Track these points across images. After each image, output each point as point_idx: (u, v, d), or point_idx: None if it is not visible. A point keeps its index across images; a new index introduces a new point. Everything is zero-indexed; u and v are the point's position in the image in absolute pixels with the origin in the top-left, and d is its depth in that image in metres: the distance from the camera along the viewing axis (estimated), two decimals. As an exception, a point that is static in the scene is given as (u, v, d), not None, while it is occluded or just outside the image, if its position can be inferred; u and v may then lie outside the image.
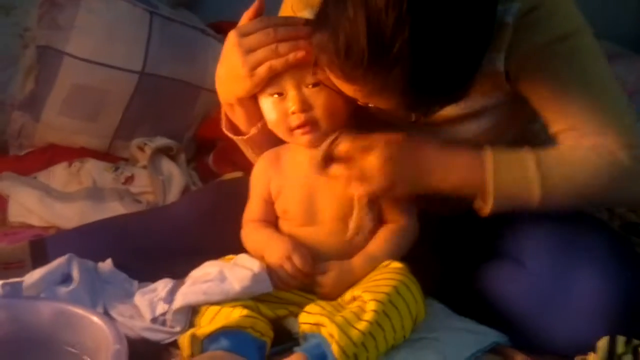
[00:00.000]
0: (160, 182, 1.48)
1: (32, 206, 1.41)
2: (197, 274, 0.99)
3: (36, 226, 1.39)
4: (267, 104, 0.98)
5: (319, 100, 0.95)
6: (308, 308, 0.91)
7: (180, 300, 0.94)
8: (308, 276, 0.96)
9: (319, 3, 0.87)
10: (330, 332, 0.85)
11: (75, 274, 1.01)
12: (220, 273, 0.95)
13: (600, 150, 0.92)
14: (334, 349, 0.84)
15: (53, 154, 1.62)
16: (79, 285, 0.99)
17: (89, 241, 1.10)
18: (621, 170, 0.92)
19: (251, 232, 1.03)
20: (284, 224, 1.03)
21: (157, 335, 0.95)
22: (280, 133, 0.99)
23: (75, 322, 0.86)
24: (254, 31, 0.95)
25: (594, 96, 0.93)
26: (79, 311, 0.87)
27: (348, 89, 0.87)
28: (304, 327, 0.90)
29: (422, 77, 0.80)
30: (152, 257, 1.07)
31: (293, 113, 0.95)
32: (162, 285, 1.01)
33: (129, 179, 1.52)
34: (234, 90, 0.98)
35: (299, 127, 0.96)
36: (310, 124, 0.95)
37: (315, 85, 0.95)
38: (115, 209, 1.39)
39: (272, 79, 0.95)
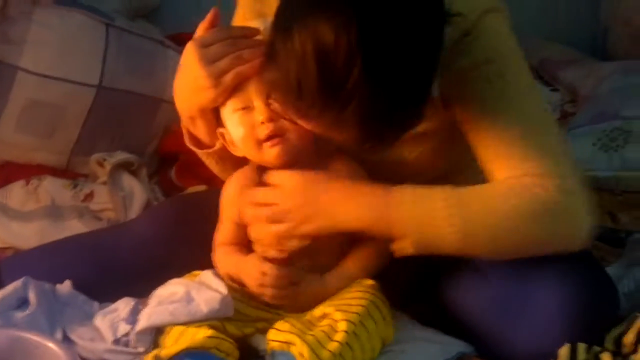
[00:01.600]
0: (120, 198, 1.45)
1: (-12, 226, 1.38)
2: (162, 292, 0.97)
3: (-7, 247, 1.36)
4: (233, 120, 0.95)
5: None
6: (277, 325, 0.90)
7: (145, 320, 0.93)
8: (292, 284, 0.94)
9: (273, 14, 0.86)
10: (300, 351, 0.84)
11: (32, 297, 0.99)
12: (187, 294, 0.93)
13: (524, 183, 0.87)
14: None
15: (9, 172, 1.58)
16: (36, 309, 0.97)
17: (46, 262, 1.08)
18: (545, 204, 0.87)
19: (223, 257, 1.01)
20: (257, 249, 1.00)
21: (119, 357, 0.93)
22: (249, 149, 0.96)
23: (31, 350, 0.84)
24: (214, 41, 0.93)
25: (518, 123, 0.90)
26: (35, 338, 0.85)
27: (305, 124, 0.86)
28: (273, 345, 0.89)
29: (379, 109, 0.79)
30: (113, 276, 1.05)
31: (262, 123, 0.92)
32: (123, 305, 0.99)
33: (89, 196, 1.49)
34: (198, 102, 0.96)
35: (268, 137, 0.93)
36: (279, 135, 0.93)
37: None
38: (74, 227, 1.37)
39: (237, 93, 0.94)
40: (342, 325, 0.87)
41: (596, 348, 0.86)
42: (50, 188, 1.49)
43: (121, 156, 1.55)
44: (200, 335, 0.88)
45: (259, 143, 0.94)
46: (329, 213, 0.92)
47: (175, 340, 0.89)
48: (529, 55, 2.20)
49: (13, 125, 1.58)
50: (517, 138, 0.89)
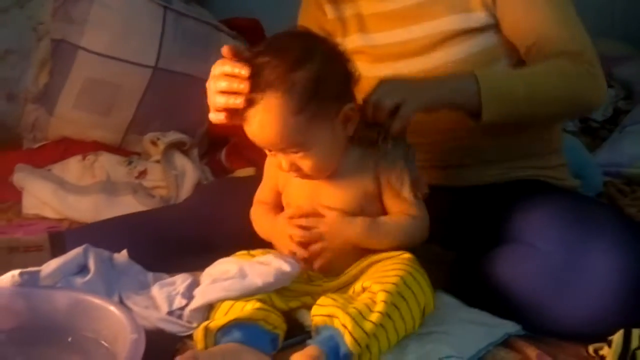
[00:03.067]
0: (173, 176, 1.48)
1: (46, 198, 1.42)
2: (214, 271, 0.99)
3: (50, 218, 1.40)
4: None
5: (304, 164, 0.95)
6: (320, 301, 0.91)
7: (200, 298, 0.95)
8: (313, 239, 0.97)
9: None
10: (343, 322, 0.85)
11: (91, 264, 1.02)
12: (240, 270, 0.95)
13: (567, 55, 1.05)
14: (347, 339, 0.84)
15: (67, 147, 1.63)
16: (94, 275, 1.00)
17: (105, 234, 1.12)
18: (585, 73, 1.05)
19: (258, 216, 1.05)
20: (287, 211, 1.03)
21: (172, 327, 0.95)
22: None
23: (92, 312, 0.86)
24: (218, 74, 0.98)
25: (559, 16, 1.07)
26: (96, 301, 0.87)
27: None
28: (317, 320, 0.90)
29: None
30: (166, 249, 1.09)
31: (283, 169, 0.97)
32: (181, 280, 1.02)
33: (142, 173, 1.53)
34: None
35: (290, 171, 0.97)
36: (303, 176, 0.97)
37: (296, 152, 0.94)
38: (128, 202, 1.41)
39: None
40: (381, 296, 0.88)
41: (651, 334, 0.85)
42: (106, 164, 1.53)
43: (174, 136, 1.58)
44: (248, 307, 0.90)
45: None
46: (421, 90, 1.01)
47: (225, 313, 0.91)
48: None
49: (72, 102, 1.63)
50: (561, 29, 1.07)
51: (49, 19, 1.66)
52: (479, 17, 1.09)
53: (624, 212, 1.25)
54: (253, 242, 1.04)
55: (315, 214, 0.98)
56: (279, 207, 1.04)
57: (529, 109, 1.02)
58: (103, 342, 0.85)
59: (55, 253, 1.06)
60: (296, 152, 0.94)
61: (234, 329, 0.89)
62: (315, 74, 0.91)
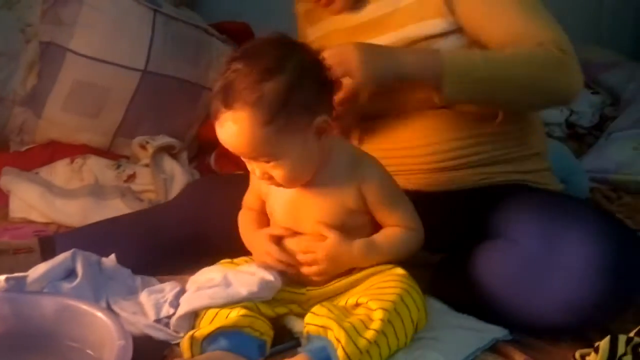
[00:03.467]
0: (162, 180, 1.48)
1: (34, 202, 1.41)
2: (199, 279, 0.99)
3: (37, 222, 1.39)
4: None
5: (276, 173, 0.94)
6: (316, 309, 0.92)
7: (185, 306, 0.95)
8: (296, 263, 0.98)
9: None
10: (337, 336, 0.85)
11: (79, 269, 1.02)
12: (224, 278, 0.96)
13: (540, 46, 1.04)
14: (340, 354, 0.84)
15: (55, 151, 1.62)
16: (82, 280, 1.00)
17: (96, 237, 1.13)
18: (554, 59, 1.04)
19: (244, 223, 1.06)
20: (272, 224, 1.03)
21: (160, 335, 0.95)
22: None
23: (79, 318, 0.86)
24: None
25: (527, 12, 1.08)
26: (83, 306, 0.87)
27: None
28: (310, 328, 0.90)
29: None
30: (156, 250, 1.10)
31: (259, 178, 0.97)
32: (169, 288, 1.02)
33: (131, 177, 1.52)
34: None
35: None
36: (276, 184, 0.96)
37: (268, 161, 0.94)
38: (117, 206, 1.40)
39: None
40: (378, 314, 0.88)
41: (637, 339, 0.85)
42: (95, 167, 1.52)
43: (163, 140, 1.57)
44: (233, 315, 0.90)
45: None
46: (388, 58, 1.03)
47: (210, 321, 0.91)
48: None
49: (60, 105, 1.62)
50: (521, 17, 1.07)
51: (37, 21, 1.65)
52: (437, 23, 1.10)
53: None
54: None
55: (293, 233, 0.98)
56: (264, 214, 1.04)
57: (492, 88, 1.02)
58: (89, 351, 0.84)
59: (45, 256, 1.06)
60: (267, 162, 0.93)
61: (220, 337, 0.89)
62: (285, 85, 0.89)
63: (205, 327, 0.90)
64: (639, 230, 1.38)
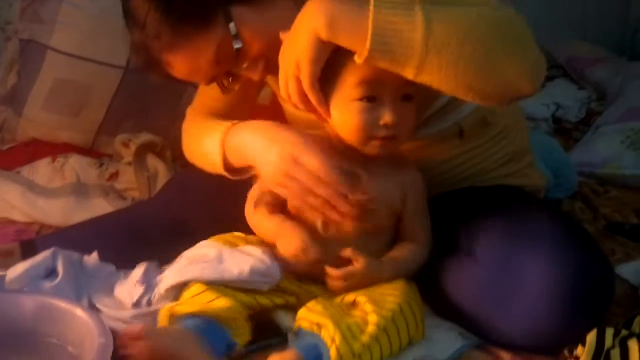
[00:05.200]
0: (145, 178, 1.46)
1: (15, 201, 1.39)
2: (193, 253, 0.97)
3: (19, 222, 1.37)
4: (352, 108, 0.92)
5: (406, 115, 0.93)
6: (310, 304, 0.90)
7: (173, 277, 0.93)
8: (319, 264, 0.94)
9: None
10: (332, 335, 0.84)
11: (59, 267, 1.00)
12: (218, 255, 0.93)
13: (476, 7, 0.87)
14: (333, 353, 0.83)
15: (36, 149, 1.59)
16: (63, 279, 0.98)
17: (78, 238, 1.11)
18: (492, 19, 0.87)
19: (261, 217, 0.99)
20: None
21: (145, 320, 0.92)
22: (352, 136, 0.95)
23: (59, 316, 0.84)
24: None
25: None
26: (62, 304, 0.85)
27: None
28: (302, 323, 0.88)
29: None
30: (139, 243, 1.08)
31: (385, 124, 0.92)
32: (137, 271, 1.00)
33: (114, 175, 1.50)
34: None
35: (384, 138, 0.93)
36: (393, 137, 0.93)
37: (406, 98, 0.92)
38: (99, 205, 1.38)
39: (369, 82, 0.91)
40: (373, 319, 0.86)
41: (624, 332, 0.85)
42: (76, 166, 1.50)
43: (146, 137, 1.55)
44: (218, 303, 0.88)
45: (370, 138, 0.93)
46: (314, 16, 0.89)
47: (193, 295, 0.89)
48: (557, 53, 2.22)
49: (40, 103, 1.60)
50: None
51: (16, 18, 1.62)
52: None
53: (571, 218, 1.22)
54: (230, 228, 1.02)
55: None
56: (279, 206, 1.00)
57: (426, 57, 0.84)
58: (69, 347, 0.82)
59: (26, 259, 1.03)
60: (406, 98, 0.94)
61: (196, 318, 0.86)
62: None
63: (186, 302, 0.89)
64: (626, 224, 1.39)
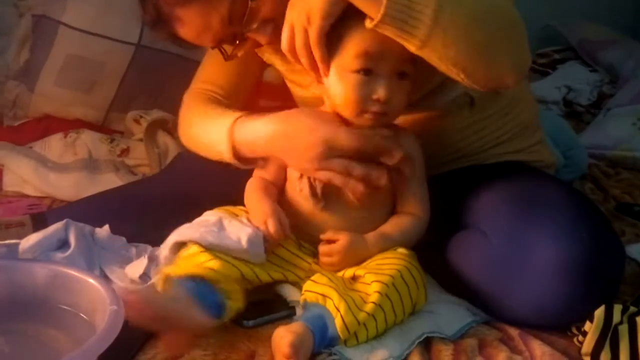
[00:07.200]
0: (156, 154, 1.47)
1: (27, 176, 1.40)
2: (195, 219, 0.98)
3: (31, 196, 1.38)
4: (348, 79, 0.92)
5: (399, 93, 0.93)
6: (315, 277, 0.91)
7: (174, 237, 0.93)
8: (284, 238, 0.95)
9: None
10: (337, 306, 0.85)
11: (71, 239, 1.01)
12: (219, 222, 0.94)
13: None
14: (338, 323, 0.84)
15: (48, 125, 1.60)
16: (75, 250, 0.99)
17: (88, 212, 1.12)
18: (501, 11, 0.90)
19: (251, 190, 1.01)
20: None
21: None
22: (346, 108, 0.95)
23: (71, 284, 0.85)
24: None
25: None
26: (75, 273, 0.85)
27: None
28: (308, 295, 0.89)
29: None
30: (152, 221, 1.08)
31: (377, 99, 0.92)
32: (137, 249, 1.03)
33: (125, 151, 1.51)
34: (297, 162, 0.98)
35: (377, 114, 0.93)
36: (385, 113, 0.94)
37: (401, 76, 0.93)
38: (110, 180, 1.39)
39: (370, 55, 0.91)
40: (375, 287, 0.87)
41: (632, 308, 0.85)
42: (88, 141, 1.51)
43: (157, 114, 1.56)
44: (210, 264, 0.88)
45: (362, 111, 0.94)
46: None
47: (188, 256, 0.90)
48: (569, 35, 2.20)
49: (53, 79, 1.60)
50: None
51: (30, -6, 1.64)
52: None
53: (584, 195, 1.20)
54: (237, 203, 1.02)
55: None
56: (275, 186, 1.01)
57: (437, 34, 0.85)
58: (82, 314, 0.84)
59: (37, 231, 1.04)
60: (402, 76, 0.94)
61: (190, 281, 0.86)
62: None
63: (182, 262, 0.89)
64: (636, 205, 1.39)
